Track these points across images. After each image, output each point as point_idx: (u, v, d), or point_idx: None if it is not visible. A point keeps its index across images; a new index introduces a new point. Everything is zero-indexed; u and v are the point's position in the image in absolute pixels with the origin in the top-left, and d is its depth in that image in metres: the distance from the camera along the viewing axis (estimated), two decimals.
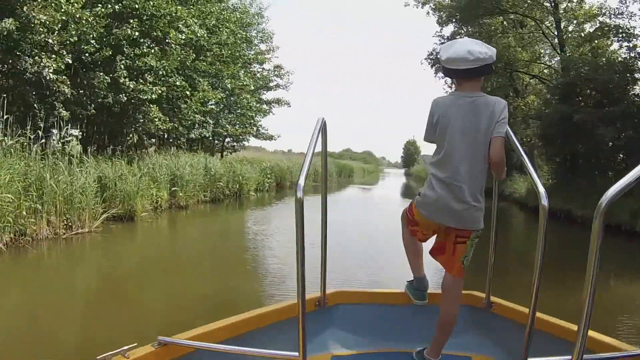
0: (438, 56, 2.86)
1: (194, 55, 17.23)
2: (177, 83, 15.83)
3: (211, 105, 22.58)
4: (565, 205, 16.09)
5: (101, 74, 13.55)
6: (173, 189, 15.70)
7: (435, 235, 2.79)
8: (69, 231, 10.31)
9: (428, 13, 27.44)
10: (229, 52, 21.77)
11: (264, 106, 28.88)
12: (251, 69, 27.40)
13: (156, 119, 15.19)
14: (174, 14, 15.33)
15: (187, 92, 16.47)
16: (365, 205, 22.17)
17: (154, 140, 19.40)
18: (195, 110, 18.77)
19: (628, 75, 16.31)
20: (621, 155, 17.83)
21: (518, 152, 2.51)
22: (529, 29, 25.04)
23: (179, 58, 15.61)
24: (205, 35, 17.48)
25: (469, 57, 2.53)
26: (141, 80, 14.51)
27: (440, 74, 27.64)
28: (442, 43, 28.55)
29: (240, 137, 27.14)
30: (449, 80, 28.72)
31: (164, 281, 7.63)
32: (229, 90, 23.44)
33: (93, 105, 13.81)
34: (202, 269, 8.64)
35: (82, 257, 9.51)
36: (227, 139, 27.13)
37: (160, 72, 15.00)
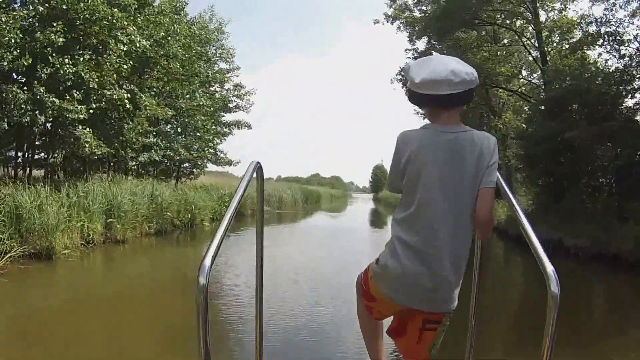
0: (407, 78, 2.13)
1: (135, 66, 15.26)
2: (115, 96, 13.76)
3: (168, 127, 20.85)
4: (554, 234, 14.43)
5: (14, 87, 11.53)
6: (109, 220, 13.61)
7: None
8: None
9: (399, 28, 26.06)
10: (183, 69, 20.00)
11: (224, 129, 27.01)
12: (210, 88, 25.55)
13: (86, 144, 13.14)
14: (110, 19, 13.40)
15: (129, 106, 14.38)
16: (328, 239, 19.58)
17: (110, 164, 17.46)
18: (141, 130, 16.83)
19: (621, 87, 14.80)
20: (611, 177, 16.11)
21: (513, 208, 2.17)
22: (504, 44, 23.67)
23: (116, 67, 13.58)
24: (149, 46, 15.49)
25: (453, 79, 1.98)
26: (68, 97, 12.49)
27: None
28: (416, 58, 27.43)
29: (198, 161, 25.22)
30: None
31: (56, 342, 5.78)
32: (184, 111, 21.57)
33: (6, 123, 11.75)
34: (107, 328, 6.57)
35: None
36: (186, 164, 25.21)
37: (92, 86, 12.96)
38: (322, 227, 24.54)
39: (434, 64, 2.04)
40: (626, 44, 15.37)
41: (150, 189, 16.73)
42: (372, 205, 64.34)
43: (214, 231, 1.66)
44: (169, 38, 16.80)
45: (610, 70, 15.68)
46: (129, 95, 14.31)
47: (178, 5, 21.29)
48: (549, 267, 1.72)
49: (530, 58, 22.66)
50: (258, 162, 2.26)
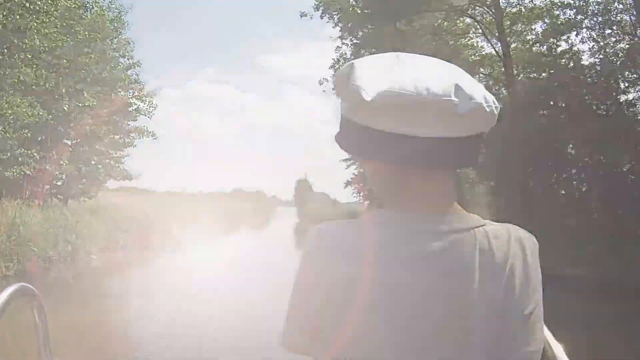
0: (343, 91, 0.85)
1: None
2: None
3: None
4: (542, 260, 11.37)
5: None
6: None
7: None
8: None
9: (332, 17, 22.19)
10: (67, 59, 16.05)
11: (126, 139, 22.68)
12: (105, 88, 21.25)
13: None
14: None
15: None
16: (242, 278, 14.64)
17: None
18: (8, 135, 12.85)
19: (622, 75, 12.05)
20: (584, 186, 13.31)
21: None
22: (460, 32, 20.72)
23: None
24: None
25: (457, 105, 0.78)
26: None
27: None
28: (354, 46, 23.38)
29: (98, 176, 20.91)
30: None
31: None
32: (67, 115, 17.36)
33: None
34: None
35: None
36: (84, 180, 20.77)
37: None
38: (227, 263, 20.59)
39: (410, 66, 0.82)
40: (615, 29, 12.64)
41: (12, 215, 12.55)
42: (297, 220, 62.00)
43: None
44: (29, 5, 12.46)
45: (608, 56, 12.87)
46: None
47: None
48: None
49: (489, 49, 19.79)
50: (28, 287, 1.40)
